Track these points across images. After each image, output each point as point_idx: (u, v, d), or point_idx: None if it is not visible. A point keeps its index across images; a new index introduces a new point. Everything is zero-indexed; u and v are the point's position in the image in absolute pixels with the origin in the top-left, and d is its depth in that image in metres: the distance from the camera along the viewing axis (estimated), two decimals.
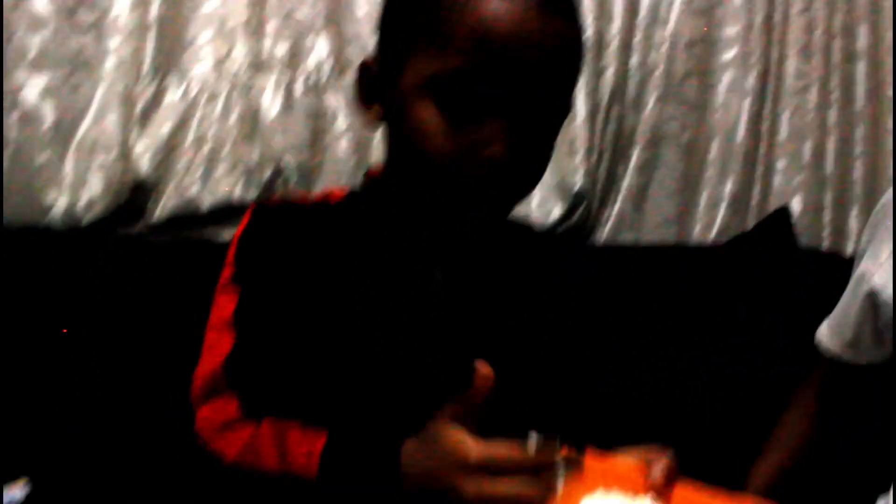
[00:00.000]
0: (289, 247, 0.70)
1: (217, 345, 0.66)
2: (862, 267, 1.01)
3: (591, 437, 0.63)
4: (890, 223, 0.96)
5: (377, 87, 0.72)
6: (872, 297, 0.97)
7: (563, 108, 0.72)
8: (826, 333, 1.05)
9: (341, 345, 0.68)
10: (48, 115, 1.26)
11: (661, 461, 0.60)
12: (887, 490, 0.94)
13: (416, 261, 0.72)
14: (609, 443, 0.63)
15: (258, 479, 0.60)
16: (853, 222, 1.65)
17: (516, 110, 0.65)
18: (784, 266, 1.49)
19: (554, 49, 0.66)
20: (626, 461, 0.61)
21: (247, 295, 0.67)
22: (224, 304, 0.68)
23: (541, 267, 0.83)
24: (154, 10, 1.30)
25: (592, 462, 0.59)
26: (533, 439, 0.57)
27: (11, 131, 1.25)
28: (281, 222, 0.73)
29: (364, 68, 0.74)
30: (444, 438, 0.56)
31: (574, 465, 0.57)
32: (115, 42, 1.29)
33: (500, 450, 0.55)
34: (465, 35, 0.64)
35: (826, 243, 1.63)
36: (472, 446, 0.55)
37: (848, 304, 1.02)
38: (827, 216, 1.64)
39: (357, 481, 0.59)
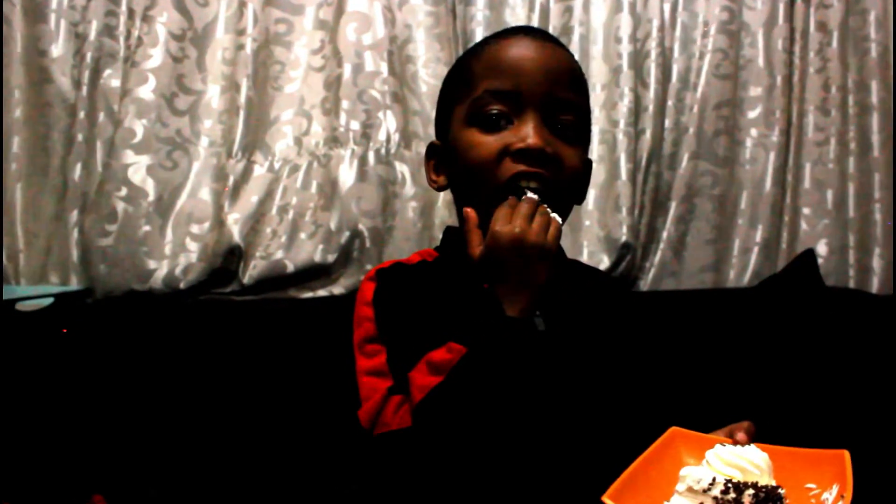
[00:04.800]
0: (414, 301, 0.82)
1: (377, 388, 0.77)
2: None
3: None
4: None
5: (442, 160, 0.90)
6: None
7: (583, 114, 0.87)
8: None
9: None
10: (150, 191, 1.40)
11: (742, 425, 0.74)
12: None
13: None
14: None
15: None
16: (876, 261, 1.73)
17: (539, 112, 0.81)
18: (812, 303, 1.58)
19: (546, 62, 0.83)
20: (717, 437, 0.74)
21: (393, 346, 0.79)
22: (373, 355, 0.79)
23: (620, 306, 0.96)
24: (242, 93, 1.44)
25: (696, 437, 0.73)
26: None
27: (118, 206, 1.38)
28: (403, 282, 0.85)
29: (431, 147, 0.93)
30: None
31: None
32: (208, 123, 1.43)
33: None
34: (481, 70, 0.84)
35: (852, 282, 1.72)
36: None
37: None
38: (852, 257, 1.72)
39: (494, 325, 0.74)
